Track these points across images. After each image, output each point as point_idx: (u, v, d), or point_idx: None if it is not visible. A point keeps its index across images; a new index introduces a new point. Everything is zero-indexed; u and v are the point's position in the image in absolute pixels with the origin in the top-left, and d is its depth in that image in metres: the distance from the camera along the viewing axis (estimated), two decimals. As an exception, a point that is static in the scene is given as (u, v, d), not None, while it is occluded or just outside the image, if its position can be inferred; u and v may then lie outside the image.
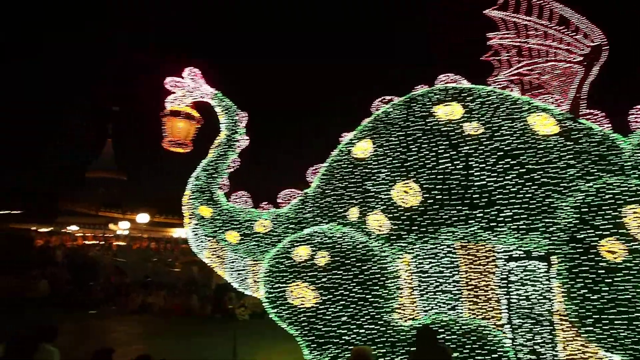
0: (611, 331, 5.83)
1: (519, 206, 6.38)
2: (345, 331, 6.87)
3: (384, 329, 6.73)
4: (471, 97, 7.29)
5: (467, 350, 6.26)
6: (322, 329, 7.01)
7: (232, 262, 8.74)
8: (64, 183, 64.73)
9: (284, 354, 9.38)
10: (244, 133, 9.05)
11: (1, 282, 18.57)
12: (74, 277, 19.72)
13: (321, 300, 6.98)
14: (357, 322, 6.80)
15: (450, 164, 6.77)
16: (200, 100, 8.89)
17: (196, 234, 9.02)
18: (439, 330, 6.50)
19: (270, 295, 7.61)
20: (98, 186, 63.23)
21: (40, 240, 33.92)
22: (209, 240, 8.82)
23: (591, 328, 5.87)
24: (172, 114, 8.67)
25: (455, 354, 6.30)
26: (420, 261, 6.94)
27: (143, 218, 36.68)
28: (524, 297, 6.56)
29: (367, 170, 7.45)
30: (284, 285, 7.36)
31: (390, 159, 7.25)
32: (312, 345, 7.20)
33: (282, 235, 8.26)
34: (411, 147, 7.14)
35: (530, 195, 6.38)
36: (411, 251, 6.97)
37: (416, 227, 6.82)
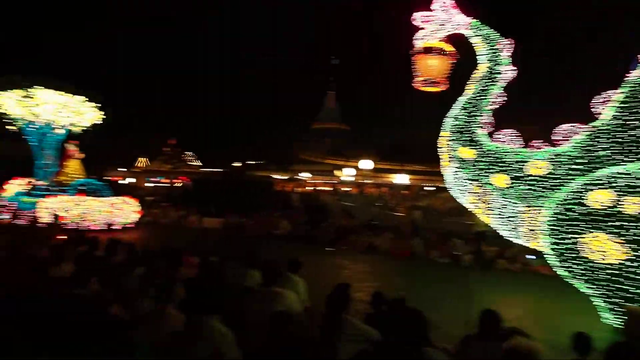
0: None
1: None
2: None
3: None
4: None
5: None
6: (633, 290, 5.79)
7: (501, 207, 7.79)
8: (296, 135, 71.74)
9: (510, 307, 8.59)
10: (509, 63, 7.94)
11: (252, 221, 21.57)
12: (309, 218, 21.68)
13: (632, 256, 5.80)
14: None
15: None
16: (453, 33, 8.12)
17: (457, 178, 8.31)
18: None
19: (558, 247, 6.63)
20: (324, 136, 68.45)
21: (279, 186, 38.31)
22: (472, 184, 8.06)
23: None
24: (424, 51, 8.12)
25: None
26: None
27: (366, 164, 38.23)
28: None
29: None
30: (576, 236, 6.32)
31: None
32: (618, 309, 6.04)
33: (565, 177, 7.05)
34: None
35: None
36: None
37: None
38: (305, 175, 48.41)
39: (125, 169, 70.07)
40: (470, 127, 7.93)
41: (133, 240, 10.75)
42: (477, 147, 7.86)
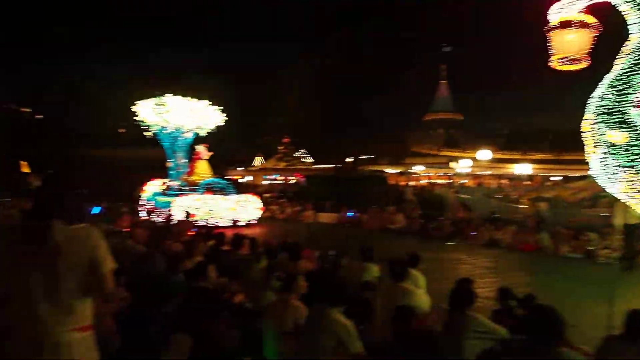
0: None
1: None
2: None
3: None
4: None
5: None
6: None
7: None
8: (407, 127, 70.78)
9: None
10: None
11: (367, 215, 21.69)
12: (424, 212, 21.29)
13: None
14: None
15: None
16: (596, 2, 7.32)
17: (605, 165, 7.54)
18: None
19: None
20: (437, 127, 66.71)
21: (392, 180, 38.07)
22: (625, 172, 7.30)
23: None
24: (561, 26, 7.40)
25: None
26: None
27: (484, 155, 36.59)
28: None
29: None
30: None
31: None
32: None
33: None
34: None
35: None
36: None
37: None
38: (419, 169, 47.54)
39: (243, 168, 74.13)
40: (621, 107, 7.02)
41: (255, 234, 11.38)
42: (631, 129, 6.94)
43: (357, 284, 5.68)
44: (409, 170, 47.86)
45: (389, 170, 45.44)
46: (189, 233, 11.36)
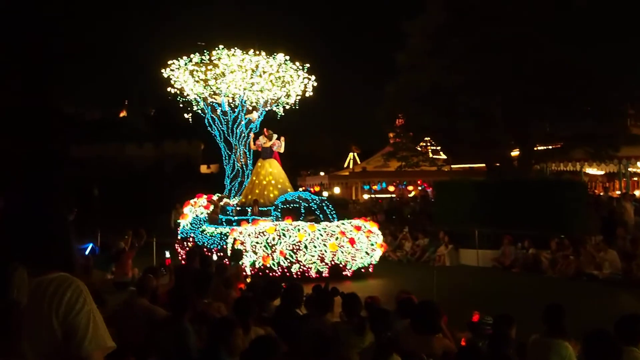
0: None
1: None
2: None
3: None
4: None
5: None
6: None
7: None
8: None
9: None
10: None
11: (555, 253, 21.11)
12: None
13: None
14: None
15: None
16: None
17: None
18: None
19: None
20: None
21: (598, 188, 36.84)
22: None
23: None
24: None
25: None
26: None
27: None
28: None
29: None
30: None
31: None
32: None
33: None
34: None
35: None
36: None
37: None
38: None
39: (322, 173, 74.64)
40: None
41: (355, 288, 11.41)
42: None
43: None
44: (627, 169, 46.01)
45: (591, 170, 43.87)
46: (240, 286, 11.55)
